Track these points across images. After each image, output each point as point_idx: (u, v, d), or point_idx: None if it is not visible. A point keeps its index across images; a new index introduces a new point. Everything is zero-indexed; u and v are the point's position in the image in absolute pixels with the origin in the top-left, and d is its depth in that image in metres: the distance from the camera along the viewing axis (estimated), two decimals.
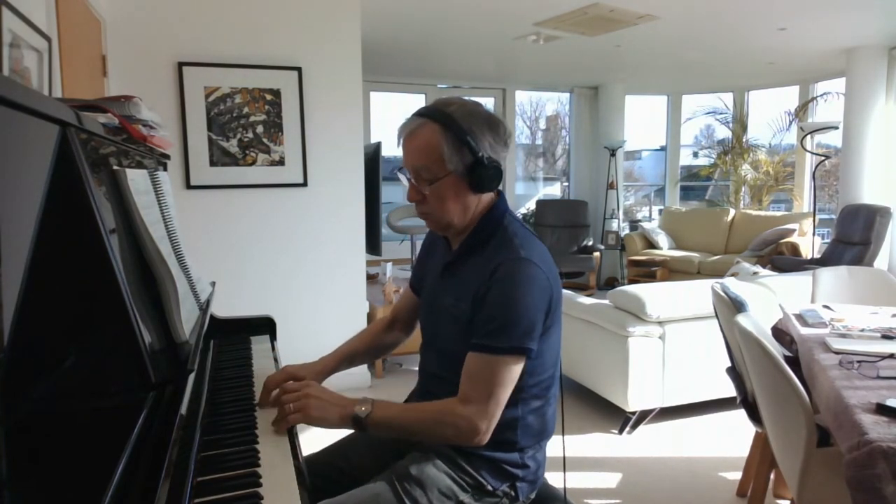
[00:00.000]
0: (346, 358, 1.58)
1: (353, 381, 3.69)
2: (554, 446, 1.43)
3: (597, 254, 7.09)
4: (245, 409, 1.36)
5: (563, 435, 1.45)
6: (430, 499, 1.26)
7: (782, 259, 5.89)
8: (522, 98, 9.55)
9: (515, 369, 1.23)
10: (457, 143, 1.23)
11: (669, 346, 3.12)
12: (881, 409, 1.42)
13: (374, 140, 5.96)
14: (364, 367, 3.84)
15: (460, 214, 1.30)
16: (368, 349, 1.63)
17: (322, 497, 1.25)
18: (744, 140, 7.81)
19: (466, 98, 1.32)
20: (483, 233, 1.31)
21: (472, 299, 1.26)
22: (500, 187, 1.34)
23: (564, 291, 3.74)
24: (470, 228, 1.33)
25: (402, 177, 1.35)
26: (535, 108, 11.32)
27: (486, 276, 1.23)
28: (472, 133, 1.23)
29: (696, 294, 3.13)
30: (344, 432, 1.53)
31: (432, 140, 1.23)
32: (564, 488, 1.41)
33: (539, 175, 10.42)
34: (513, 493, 1.33)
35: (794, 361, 2.06)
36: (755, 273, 3.80)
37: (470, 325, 1.26)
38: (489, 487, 1.30)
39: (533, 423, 1.33)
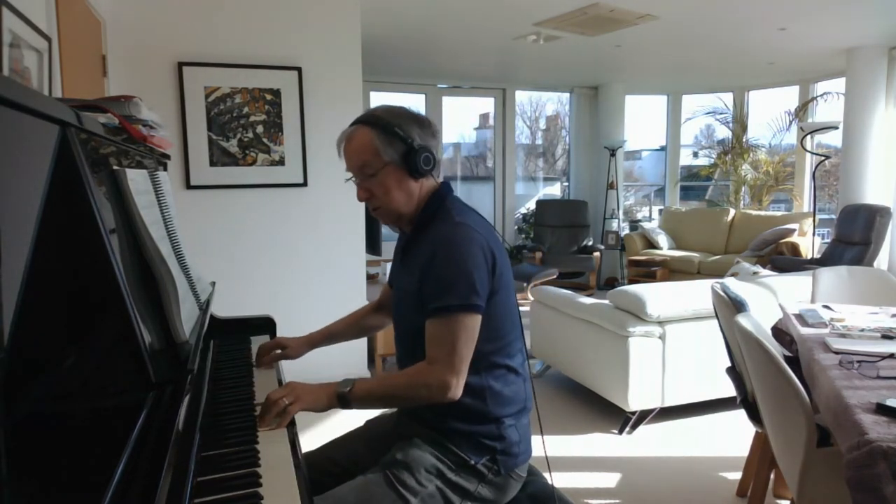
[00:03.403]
0: (331, 335, 1.73)
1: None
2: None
3: (597, 254, 7.09)
4: (245, 409, 1.37)
5: (537, 412, 1.48)
6: (418, 479, 1.31)
7: (782, 259, 5.89)
8: (522, 98, 9.53)
9: (471, 326, 1.31)
10: (386, 135, 1.36)
11: (669, 346, 3.12)
12: (881, 409, 1.42)
13: None
14: (364, 366, 3.86)
15: (406, 201, 1.42)
16: (351, 328, 1.78)
17: (319, 490, 1.27)
18: (744, 140, 7.80)
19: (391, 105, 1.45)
20: (428, 213, 1.43)
21: (420, 271, 1.35)
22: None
23: (565, 291, 3.76)
24: (418, 213, 1.44)
25: (352, 181, 1.47)
26: (535, 108, 11.31)
27: (430, 248, 1.35)
28: (400, 125, 1.37)
29: (696, 294, 3.13)
30: (342, 431, 1.59)
31: (365, 139, 1.38)
32: (551, 478, 1.41)
33: (539, 175, 10.40)
34: (495, 468, 1.37)
35: (794, 361, 2.06)
36: (755, 273, 3.80)
37: (420, 296, 1.34)
38: (471, 462, 1.35)
39: (500, 391, 1.38)
